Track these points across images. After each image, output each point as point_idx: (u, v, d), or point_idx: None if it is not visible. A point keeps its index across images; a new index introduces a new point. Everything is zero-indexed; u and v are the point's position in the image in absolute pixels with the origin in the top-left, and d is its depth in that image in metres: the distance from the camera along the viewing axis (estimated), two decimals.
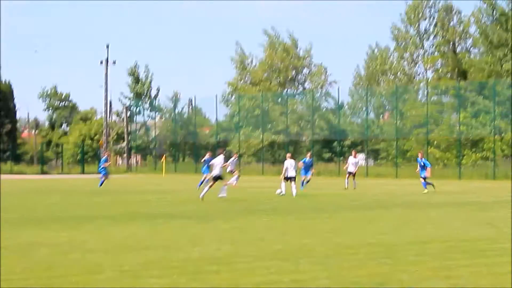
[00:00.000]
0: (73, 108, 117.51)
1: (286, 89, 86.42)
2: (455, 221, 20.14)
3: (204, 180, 38.75)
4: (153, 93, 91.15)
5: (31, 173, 74.27)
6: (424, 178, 36.34)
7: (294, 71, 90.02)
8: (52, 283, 10.56)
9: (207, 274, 11.31)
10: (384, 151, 73.21)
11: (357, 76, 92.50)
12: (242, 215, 22.23)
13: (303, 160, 39.89)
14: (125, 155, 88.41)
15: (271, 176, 59.40)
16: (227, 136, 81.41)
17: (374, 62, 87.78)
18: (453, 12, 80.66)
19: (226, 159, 32.94)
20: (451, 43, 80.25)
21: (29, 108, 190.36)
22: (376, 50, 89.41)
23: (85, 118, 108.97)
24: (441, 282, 10.69)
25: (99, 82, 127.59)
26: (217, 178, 29.17)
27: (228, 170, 36.59)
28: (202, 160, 39.89)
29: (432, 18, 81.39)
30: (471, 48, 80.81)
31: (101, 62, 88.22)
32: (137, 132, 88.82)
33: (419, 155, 38.34)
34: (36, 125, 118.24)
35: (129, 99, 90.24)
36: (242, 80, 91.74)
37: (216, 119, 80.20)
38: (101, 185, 41.18)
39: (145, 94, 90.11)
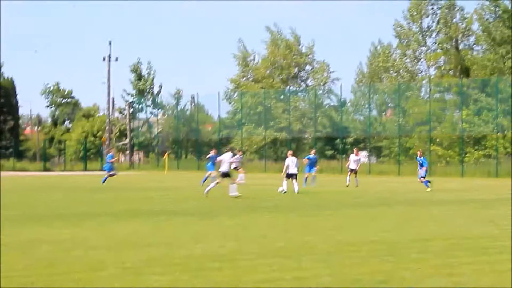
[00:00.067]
0: (76, 104, 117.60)
1: (288, 86, 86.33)
2: (458, 219, 20.14)
3: (208, 176, 38.75)
4: (155, 90, 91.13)
5: (34, 170, 74.31)
6: (423, 177, 36.31)
7: (296, 68, 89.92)
8: (54, 280, 10.57)
9: (210, 271, 11.32)
10: (386, 149, 73.18)
11: (359, 73, 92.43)
12: (245, 212, 22.24)
13: (307, 157, 39.96)
14: (127, 152, 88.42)
15: (273, 173, 59.35)
16: (229, 133, 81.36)
17: (377, 59, 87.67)
18: (456, 9, 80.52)
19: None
20: (454, 40, 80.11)
21: (32, 104, 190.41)
22: (378, 47, 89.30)
23: (88, 115, 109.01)
24: (443, 280, 10.69)
25: (101, 79, 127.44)
26: (224, 175, 29.21)
27: (233, 166, 36.65)
28: (207, 157, 39.80)
29: (434, 15, 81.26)
30: (474, 46, 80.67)
31: (104, 59, 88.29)
32: (140, 129, 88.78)
33: (418, 153, 38.35)
34: (39, 121, 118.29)
35: (131, 96, 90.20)
36: (244, 77, 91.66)
37: (219, 116, 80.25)
38: (104, 181, 41.23)
39: (147, 91, 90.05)
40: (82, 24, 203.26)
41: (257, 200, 27.39)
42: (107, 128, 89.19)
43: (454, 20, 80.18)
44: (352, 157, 40.73)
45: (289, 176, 32.46)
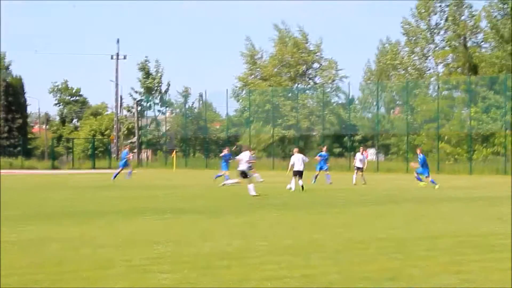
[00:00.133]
0: (84, 103, 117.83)
1: (296, 84, 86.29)
2: (466, 216, 20.11)
3: (221, 175, 38.38)
4: (163, 88, 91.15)
5: (42, 168, 74.45)
6: (420, 174, 36.35)
7: (304, 66, 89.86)
8: (63, 278, 10.59)
9: (218, 269, 11.33)
10: (394, 146, 73.05)
11: (367, 71, 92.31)
12: (253, 210, 22.24)
13: (319, 154, 40.18)
14: (135, 150, 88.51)
15: (281, 171, 59.34)
16: (237, 131, 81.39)
17: (385, 57, 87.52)
18: (464, 6, 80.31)
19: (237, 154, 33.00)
20: (462, 37, 79.90)
21: (40, 103, 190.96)
22: (387, 45, 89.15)
23: (96, 113, 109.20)
24: (452, 277, 10.67)
25: (109, 77, 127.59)
26: (243, 174, 29.20)
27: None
28: (221, 155, 39.54)
29: (442, 12, 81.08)
30: (482, 43, 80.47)
31: (112, 57, 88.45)
32: (148, 127, 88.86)
33: (418, 150, 38.37)
34: (47, 120, 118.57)
35: (139, 94, 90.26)
36: (252, 75, 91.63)
37: (227, 114, 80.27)
38: (114, 177, 41.46)
39: (155, 89, 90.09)
40: (91, 23, 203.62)
41: (265, 198, 27.38)
42: (115, 126, 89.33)
43: (462, 18, 79.97)
44: (358, 156, 40.83)
45: (295, 173, 32.55)
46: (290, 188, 32.35)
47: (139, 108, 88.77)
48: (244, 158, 29.59)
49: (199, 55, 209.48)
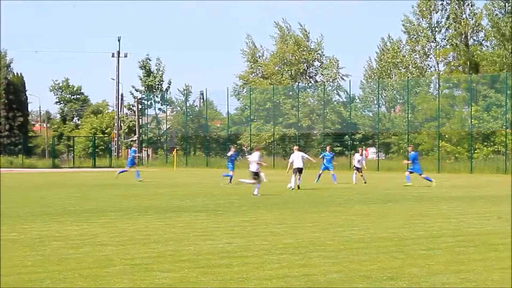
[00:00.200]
0: (85, 101, 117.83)
1: (297, 82, 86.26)
2: (466, 215, 20.10)
3: (228, 175, 38.09)
4: (164, 86, 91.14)
5: (43, 167, 74.41)
6: (411, 172, 36.39)
7: (305, 64, 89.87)
8: (64, 276, 10.60)
9: (218, 267, 11.33)
10: (395, 145, 73.05)
11: (368, 69, 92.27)
12: (253, 208, 22.25)
13: (323, 155, 40.27)
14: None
15: (282, 169, 59.36)
16: (238, 129, 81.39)
17: (386, 55, 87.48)
18: (466, 4, 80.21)
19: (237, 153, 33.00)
20: (463, 35, 79.86)
21: (41, 101, 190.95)
22: (388, 43, 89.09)
23: (97, 112, 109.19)
24: (452, 276, 10.67)
25: (110, 75, 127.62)
26: (256, 175, 29.20)
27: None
28: (228, 155, 39.10)
29: (444, 10, 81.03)
30: (483, 41, 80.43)
31: (113, 55, 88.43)
32: (149, 125, 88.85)
33: (409, 148, 38.38)
34: (48, 118, 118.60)
35: (140, 92, 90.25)
36: (253, 73, 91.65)
37: (228, 112, 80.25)
38: (120, 172, 41.46)
39: (156, 87, 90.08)
40: (92, 22, 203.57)
41: (266, 196, 27.38)
42: (116, 124, 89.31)
43: (464, 16, 79.92)
44: (357, 156, 40.92)
45: (296, 171, 32.72)
46: (291, 187, 32.41)
47: (140, 106, 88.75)
48: (254, 159, 29.66)
49: (200, 53, 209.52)
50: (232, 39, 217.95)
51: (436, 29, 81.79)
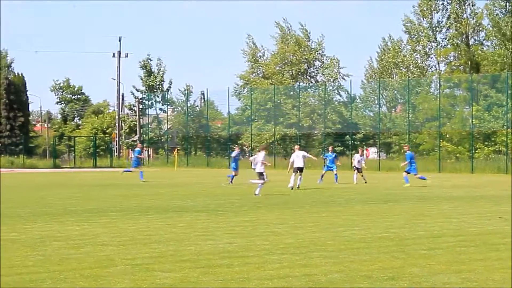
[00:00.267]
0: (86, 101, 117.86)
1: (298, 82, 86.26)
2: (467, 215, 20.10)
3: (234, 176, 37.97)
4: (165, 86, 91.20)
5: (44, 167, 74.40)
6: (408, 172, 36.38)
7: (306, 64, 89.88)
8: (64, 276, 10.60)
9: (219, 267, 11.33)
10: (396, 145, 73.04)
11: (369, 69, 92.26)
12: (254, 208, 22.25)
13: (325, 156, 40.30)
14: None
15: (283, 169, 59.39)
16: (239, 129, 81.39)
17: (387, 54, 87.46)
18: (466, 4, 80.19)
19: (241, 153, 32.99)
20: (464, 35, 79.84)
21: (42, 101, 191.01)
22: (389, 43, 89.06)
23: (97, 112, 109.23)
24: (453, 276, 10.67)
25: (111, 75, 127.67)
26: (261, 174, 29.21)
27: (253, 166, 36.90)
28: (233, 155, 38.81)
29: (445, 10, 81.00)
30: (484, 41, 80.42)
31: (114, 55, 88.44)
32: (149, 125, 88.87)
33: (405, 147, 38.38)
34: (49, 118, 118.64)
35: (141, 92, 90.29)
36: (254, 73, 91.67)
37: (228, 112, 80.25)
38: (124, 171, 41.33)
39: (157, 87, 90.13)
40: (93, 22, 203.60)
41: (267, 196, 27.38)
42: (116, 124, 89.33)
43: (464, 16, 79.90)
44: (356, 156, 40.95)
45: (296, 170, 32.85)
46: (291, 187, 32.45)
47: (140, 106, 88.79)
48: (260, 159, 29.71)
49: (201, 53, 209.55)
50: (233, 39, 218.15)
51: (437, 29, 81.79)
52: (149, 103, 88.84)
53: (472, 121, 62.11)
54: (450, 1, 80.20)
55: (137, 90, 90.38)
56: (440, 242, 14.22)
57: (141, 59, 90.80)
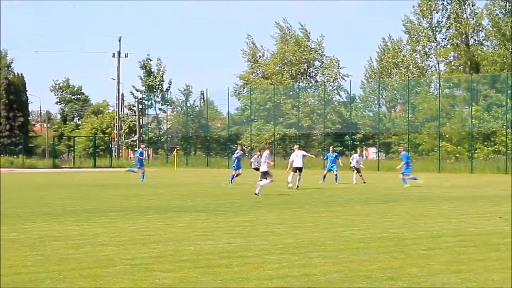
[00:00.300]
0: (85, 101, 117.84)
1: (298, 82, 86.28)
2: (467, 215, 20.10)
3: (235, 175, 37.94)
4: (165, 86, 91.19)
5: (43, 167, 74.37)
6: (402, 173, 36.35)
7: (306, 64, 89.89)
8: (64, 276, 10.60)
9: (219, 267, 11.33)
10: (396, 145, 73.02)
11: (369, 69, 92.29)
12: (253, 208, 22.24)
13: (326, 156, 40.34)
14: (136, 148, 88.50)
15: (282, 169, 59.39)
16: (238, 129, 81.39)
17: (387, 54, 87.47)
18: (466, 4, 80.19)
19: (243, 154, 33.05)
20: (464, 35, 79.85)
21: (42, 101, 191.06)
22: (388, 43, 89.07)
23: (97, 112, 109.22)
24: (452, 276, 10.67)
25: (111, 75, 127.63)
26: (265, 173, 29.25)
27: (253, 167, 36.97)
28: (236, 157, 38.62)
29: (445, 10, 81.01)
30: (484, 41, 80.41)
31: (113, 55, 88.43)
32: (149, 125, 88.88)
33: (400, 148, 38.33)
34: (48, 118, 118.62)
35: (141, 92, 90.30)
36: (253, 73, 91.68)
37: (228, 112, 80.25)
38: (128, 170, 41.23)
39: (157, 87, 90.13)
40: (93, 22, 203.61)
41: (266, 196, 27.37)
42: (116, 124, 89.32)
43: (464, 16, 79.90)
44: (355, 156, 40.94)
45: (295, 170, 32.97)
46: (291, 187, 32.48)
47: (140, 106, 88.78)
48: (264, 159, 29.80)
49: (200, 53, 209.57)
50: (233, 39, 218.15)
51: (437, 29, 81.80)
52: (149, 103, 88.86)
53: (472, 121, 62.11)
54: (450, 1, 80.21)
55: (137, 90, 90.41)
56: (440, 242, 14.21)
57: (140, 59, 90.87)
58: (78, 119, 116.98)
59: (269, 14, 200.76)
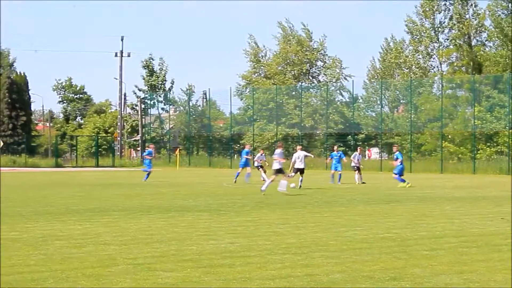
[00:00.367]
0: (88, 100, 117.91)
1: (300, 82, 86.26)
2: (470, 216, 20.08)
3: (240, 174, 37.98)
4: (167, 85, 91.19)
5: (46, 166, 74.41)
6: (395, 173, 36.28)
7: (308, 64, 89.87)
8: (66, 276, 10.60)
9: (221, 267, 11.33)
10: (398, 145, 72.90)
11: (372, 69, 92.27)
12: (256, 208, 22.24)
13: (331, 156, 40.38)
14: (139, 148, 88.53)
15: (285, 169, 59.42)
16: (241, 129, 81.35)
17: (389, 55, 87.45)
18: (469, 4, 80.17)
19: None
20: (466, 36, 79.81)
21: (44, 100, 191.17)
22: (391, 43, 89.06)
23: (100, 111, 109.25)
24: (455, 277, 10.66)
25: (113, 75, 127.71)
26: (279, 171, 29.31)
27: (256, 165, 37.00)
28: (247, 156, 38.57)
29: (447, 11, 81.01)
30: (487, 42, 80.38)
31: (116, 55, 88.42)
32: (151, 125, 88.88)
33: (394, 148, 38.34)
34: (51, 117, 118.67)
35: (143, 91, 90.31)
36: (256, 73, 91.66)
37: (231, 112, 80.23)
38: (146, 176, 40.88)
39: (159, 87, 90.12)
40: (95, 21, 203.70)
41: (268, 196, 27.38)
42: (119, 124, 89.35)
43: (467, 16, 79.86)
44: (356, 155, 40.94)
45: (296, 171, 33.11)
46: (293, 187, 32.52)
47: (143, 106, 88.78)
48: (276, 157, 29.92)
49: (203, 53, 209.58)
50: (235, 39, 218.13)
51: (439, 29, 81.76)
52: (151, 102, 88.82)
53: (474, 122, 62.06)
54: (452, 2, 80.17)
55: (139, 90, 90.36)
56: (442, 243, 14.21)
57: (143, 59, 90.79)
58: (81, 119, 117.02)
59: (271, 14, 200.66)
